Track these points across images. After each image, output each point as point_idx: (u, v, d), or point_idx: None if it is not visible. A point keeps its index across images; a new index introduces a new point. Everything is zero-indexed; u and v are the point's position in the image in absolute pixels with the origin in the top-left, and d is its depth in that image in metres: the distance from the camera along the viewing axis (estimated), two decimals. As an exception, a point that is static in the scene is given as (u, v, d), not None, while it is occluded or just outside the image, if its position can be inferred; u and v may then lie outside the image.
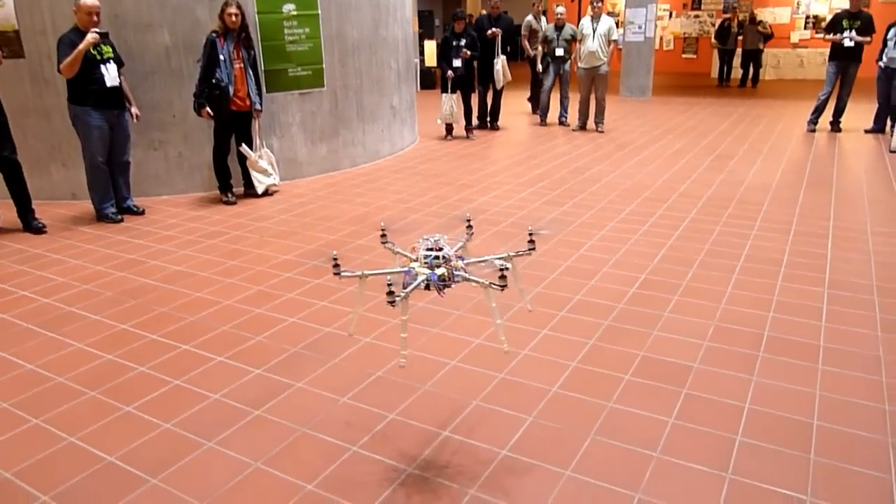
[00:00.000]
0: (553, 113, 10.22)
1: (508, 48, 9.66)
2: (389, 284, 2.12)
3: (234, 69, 5.77)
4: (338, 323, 3.57)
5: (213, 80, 5.65)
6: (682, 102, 12.32)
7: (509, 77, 9.37)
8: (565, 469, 2.40)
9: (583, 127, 9.58)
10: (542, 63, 9.97)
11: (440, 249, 2.27)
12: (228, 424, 2.70)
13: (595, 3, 9.05)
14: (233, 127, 5.97)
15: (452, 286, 2.26)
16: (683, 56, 18.48)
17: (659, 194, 6.03)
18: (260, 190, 6.19)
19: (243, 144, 6.01)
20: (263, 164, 6.18)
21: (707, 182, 6.44)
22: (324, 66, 6.87)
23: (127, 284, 4.21)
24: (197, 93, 5.72)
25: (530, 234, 2.44)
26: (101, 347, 3.39)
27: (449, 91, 8.77)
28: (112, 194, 5.64)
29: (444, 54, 8.74)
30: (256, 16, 6.29)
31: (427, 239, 2.32)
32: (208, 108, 5.69)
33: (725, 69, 15.49)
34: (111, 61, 5.34)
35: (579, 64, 9.32)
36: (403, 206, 5.83)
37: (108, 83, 5.30)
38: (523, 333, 3.42)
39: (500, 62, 9.16)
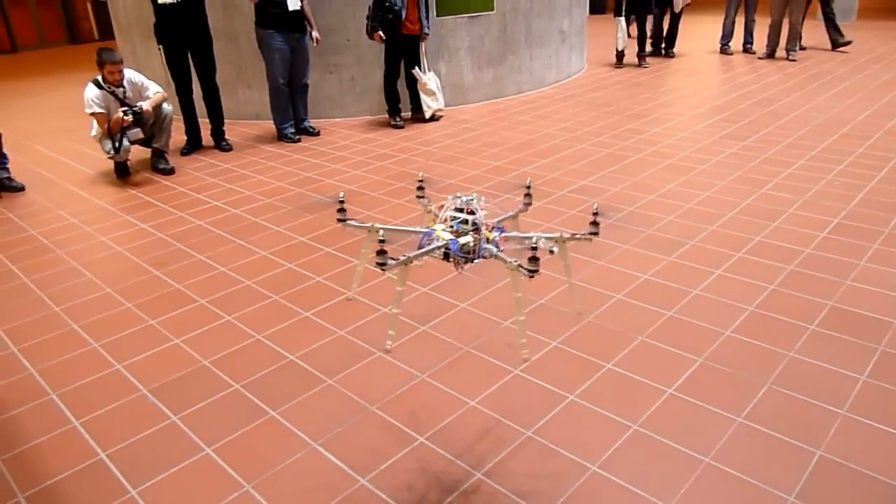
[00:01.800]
0: (736, 39, 9.33)
1: None
2: (382, 241, 1.70)
3: (406, -8, 5.78)
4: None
5: (387, 4, 5.70)
6: (891, 27, 10.75)
7: None
8: (737, 416, 2.27)
9: (771, 55, 8.66)
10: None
11: (472, 213, 1.83)
12: (398, 337, 2.83)
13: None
14: (403, 51, 6.03)
15: (476, 262, 1.84)
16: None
17: (860, 131, 5.37)
18: (427, 115, 6.26)
19: (416, 67, 6.07)
20: (431, 86, 6.22)
21: (921, 118, 5.63)
22: (494, -13, 6.71)
23: (304, 200, 4.47)
24: (370, 16, 5.81)
25: (594, 215, 1.91)
26: (283, 257, 3.66)
27: (623, 13, 8.26)
28: (291, 115, 5.97)
29: None
30: (430, -64, 6.22)
31: (458, 197, 1.87)
32: (380, 32, 5.77)
33: (953, -12, 13.24)
34: (294, -15, 5.55)
35: (773, -17, 8.36)
36: (568, 135, 5.66)
37: (291, 7, 5.52)
38: (693, 272, 3.24)
39: None
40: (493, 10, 6.78)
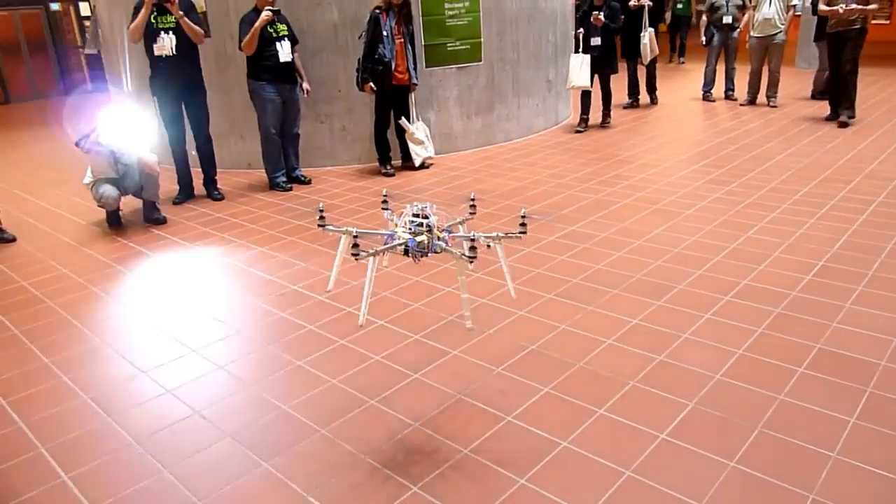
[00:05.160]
0: (718, 87, 9.57)
1: (667, 16, 8.98)
2: (356, 237, 2.15)
3: (395, 44, 5.93)
4: (492, 294, 3.61)
5: (377, 56, 5.84)
6: (871, 74, 11.05)
7: (657, 51, 8.76)
8: (729, 460, 2.28)
9: (752, 101, 8.89)
10: (706, 34, 9.34)
11: (426, 217, 2.24)
12: (389, 385, 2.83)
13: (773, -34, 8.32)
14: (393, 101, 6.16)
15: (429, 256, 2.25)
16: (873, 22, 16.55)
17: (841, 175, 5.49)
18: (417, 163, 6.36)
19: (402, 118, 6.19)
20: (420, 135, 6.34)
21: (899, 162, 5.78)
22: (482, 39, 6.89)
23: (296, 248, 4.50)
24: (360, 68, 5.94)
25: (522, 217, 2.38)
26: (276, 305, 3.67)
27: (580, 51, 7.45)
28: (283, 164, 6.05)
29: (578, 22, 7.58)
30: (419, -9, 6.42)
31: (415, 205, 2.29)
32: (371, 84, 5.90)
33: (925, 36, 13.71)
34: (286, 39, 5.69)
35: (751, 33, 8.62)
36: (556, 181, 5.75)
37: (282, 59, 5.66)
38: (682, 316, 3.28)
39: (648, 35, 8.45)
40: (480, 60, 6.96)
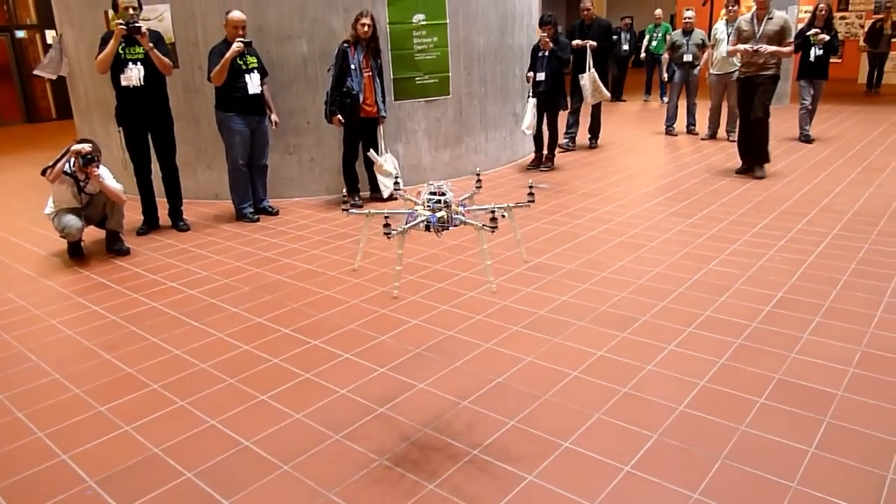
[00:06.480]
0: (680, 122, 9.84)
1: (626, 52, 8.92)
2: (386, 218, 2.33)
3: (363, 77, 5.99)
4: (459, 327, 3.62)
5: (345, 89, 5.89)
6: (825, 110, 11.46)
7: (606, 94, 8.42)
8: (692, 492, 2.30)
9: (713, 136, 9.15)
10: (667, 71, 9.63)
11: (443, 194, 2.41)
12: (355, 419, 2.80)
13: (730, 7, 8.63)
14: (361, 133, 6.19)
15: (450, 229, 2.43)
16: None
17: (797, 208, 5.66)
18: (385, 194, 6.38)
19: (371, 150, 6.23)
20: (388, 167, 6.37)
21: (853, 196, 5.97)
22: (450, 74, 6.99)
23: (262, 280, 4.47)
24: (328, 101, 5.98)
25: (530, 188, 2.69)
26: (239, 338, 3.62)
27: (530, 96, 7.41)
28: (250, 195, 6.01)
29: (531, 64, 7.47)
30: (388, 26, 6.50)
31: (431, 184, 2.46)
32: (339, 116, 5.94)
33: (875, 74, 14.31)
34: (255, 71, 5.70)
35: (711, 70, 8.92)
36: (523, 213, 5.81)
37: (251, 90, 5.66)
38: (646, 348, 3.32)
39: (587, 77, 8.07)
40: (449, 94, 7.05)
